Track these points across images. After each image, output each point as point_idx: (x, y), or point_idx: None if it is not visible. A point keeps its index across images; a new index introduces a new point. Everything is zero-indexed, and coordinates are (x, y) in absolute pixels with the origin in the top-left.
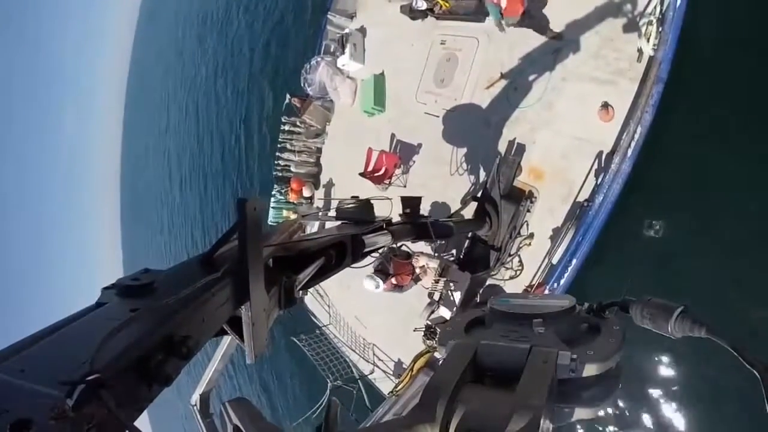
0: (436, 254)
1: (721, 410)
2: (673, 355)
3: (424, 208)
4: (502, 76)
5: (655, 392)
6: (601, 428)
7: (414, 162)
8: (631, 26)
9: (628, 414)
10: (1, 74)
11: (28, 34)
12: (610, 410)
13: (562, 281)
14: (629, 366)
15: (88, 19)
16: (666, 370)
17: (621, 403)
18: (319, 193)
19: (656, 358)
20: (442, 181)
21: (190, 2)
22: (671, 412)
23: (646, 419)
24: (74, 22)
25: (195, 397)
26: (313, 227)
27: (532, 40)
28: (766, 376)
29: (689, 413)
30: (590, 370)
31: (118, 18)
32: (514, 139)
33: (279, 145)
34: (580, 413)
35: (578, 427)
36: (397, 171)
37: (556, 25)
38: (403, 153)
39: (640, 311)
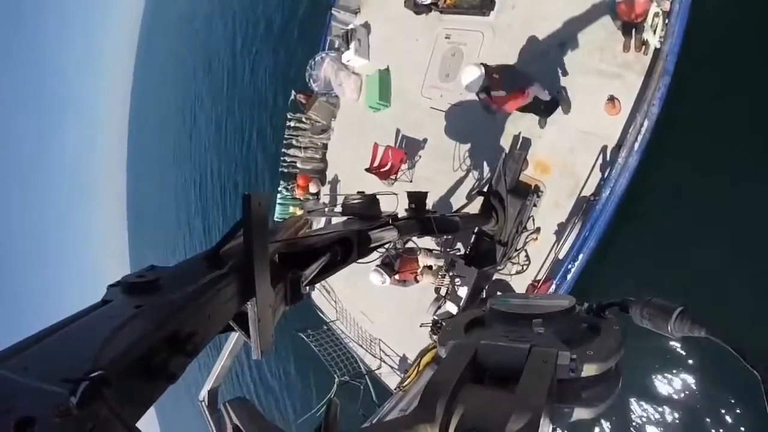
0: (442, 249)
1: (721, 411)
2: (672, 356)
3: (430, 203)
4: None
5: (654, 392)
6: (600, 428)
7: (420, 157)
8: None
9: (627, 414)
10: (6, 83)
11: (31, 43)
12: (609, 410)
13: (569, 276)
14: (629, 366)
15: (91, 23)
16: (666, 371)
17: (620, 404)
18: (326, 189)
19: (656, 359)
20: (448, 176)
21: (193, 0)
22: (671, 412)
23: (646, 419)
24: (77, 32)
25: (203, 393)
26: (319, 223)
27: (538, 34)
28: (766, 376)
29: (689, 414)
30: (590, 370)
31: (122, 21)
32: (520, 133)
33: (285, 142)
34: (580, 413)
35: (578, 427)
36: (403, 166)
37: (561, 18)
38: (409, 148)
39: (640, 311)
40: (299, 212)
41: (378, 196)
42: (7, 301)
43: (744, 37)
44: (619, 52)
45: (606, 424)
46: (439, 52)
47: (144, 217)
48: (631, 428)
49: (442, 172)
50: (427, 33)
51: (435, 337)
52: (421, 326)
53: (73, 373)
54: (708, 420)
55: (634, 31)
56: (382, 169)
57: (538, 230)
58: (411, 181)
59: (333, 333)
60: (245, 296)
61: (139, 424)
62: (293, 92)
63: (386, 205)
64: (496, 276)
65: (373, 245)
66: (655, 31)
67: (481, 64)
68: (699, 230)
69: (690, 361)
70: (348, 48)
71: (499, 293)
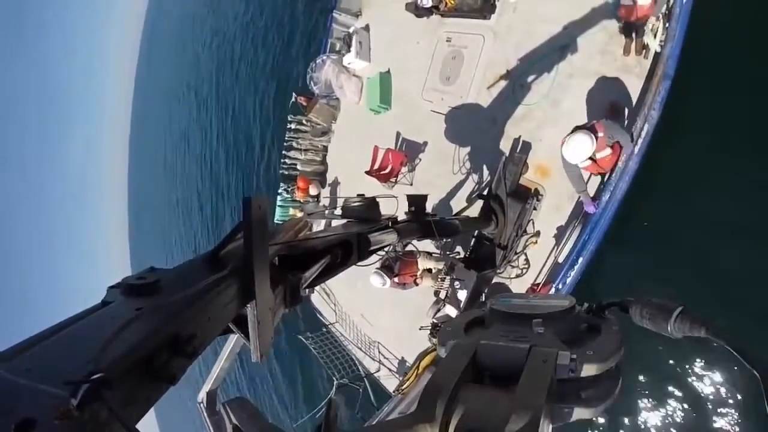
0: (441, 253)
1: (720, 410)
2: (672, 356)
3: (430, 206)
4: (509, 73)
5: (654, 392)
6: (600, 429)
7: (420, 160)
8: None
9: (626, 414)
10: (13, 94)
11: (36, 55)
12: (609, 410)
13: (569, 280)
14: (629, 366)
15: (94, 26)
16: (665, 371)
17: (620, 404)
18: (326, 192)
19: (656, 359)
20: (448, 179)
21: (194, 4)
22: (671, 412)
23: (645, 420)
24: (81, 41)
25: (202, 395)
26: (319, 225)
27: (539, 37)
28: (766, 376)
29: (689, 413)
30: (590, 370)
31: (124, 24)
32: (520, 136)
33: (285, 144)
34: (580, 413)
35: (578, 427)
36: (403, 169)
37: (561, 21)
38: (409, 151)
39: (640, 311)
40: (299, 214)
41: (378, 199)
42: (9, 301)
43: (745, 42)
44: (620, 56)
45: (606, 424)
46: (440, 55)
47: (145, 218)
48: (631, 428)
49: (442, 175)
50: (428, 36)
51: (434, 340)
52: (420, 329)
53: (73, 375)
54: (708, 419)
55: (634, 34)
56: (382, 172)
57: (537, 234)
58: (411, 184)
59: (332, 336)
60: (245, 299)
61: (138, 425)
62: (294, 95)
63: (386, 208)
64: (495, 279)
65: (372, 248)
66: (655, 35)
67: (585, 127)
68: (699, 233)
69: (689, 361)
70: (349, 51)
71: (492, 298)
